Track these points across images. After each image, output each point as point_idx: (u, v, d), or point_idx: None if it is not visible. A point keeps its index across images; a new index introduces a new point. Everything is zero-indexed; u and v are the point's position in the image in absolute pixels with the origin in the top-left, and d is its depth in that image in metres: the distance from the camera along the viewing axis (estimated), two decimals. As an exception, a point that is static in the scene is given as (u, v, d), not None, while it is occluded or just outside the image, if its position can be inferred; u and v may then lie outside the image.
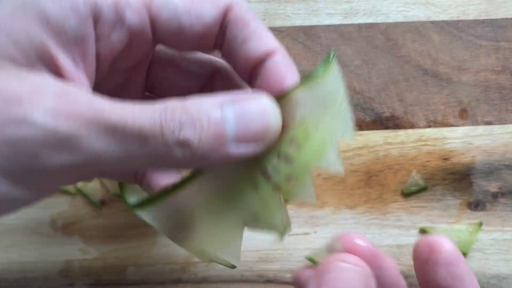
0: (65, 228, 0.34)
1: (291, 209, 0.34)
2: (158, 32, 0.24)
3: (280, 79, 0.23)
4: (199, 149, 0.20)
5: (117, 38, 0.23)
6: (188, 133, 0.19)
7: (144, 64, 0.27)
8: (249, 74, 0.25)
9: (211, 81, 0.28)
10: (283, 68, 0.24)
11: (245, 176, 0.21)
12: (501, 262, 0.34)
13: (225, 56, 0.26)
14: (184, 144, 0.19)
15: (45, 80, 0.20)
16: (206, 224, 0.22)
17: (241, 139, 0.20)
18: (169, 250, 0.34)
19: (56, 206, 0.34)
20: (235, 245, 0.22)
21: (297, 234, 0.34)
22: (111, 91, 0.26)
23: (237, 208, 0.21)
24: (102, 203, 0.34)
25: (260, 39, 0.24)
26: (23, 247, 0.34)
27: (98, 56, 0.23)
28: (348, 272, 0.20)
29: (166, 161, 0.20)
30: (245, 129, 0.20)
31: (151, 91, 0.28)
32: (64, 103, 0.18)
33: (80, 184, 0.34)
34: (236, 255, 0.22)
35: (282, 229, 0.22)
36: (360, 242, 0.22)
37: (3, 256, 0.34)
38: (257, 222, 0.21)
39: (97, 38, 0.22)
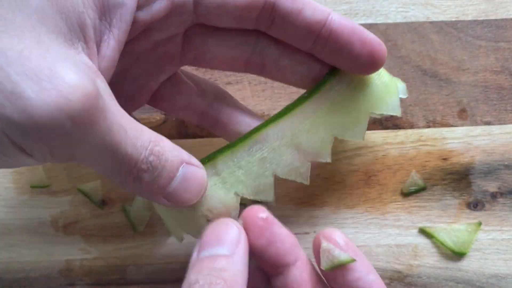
0: (65, 227, 0.34)
1: (290, 209, 0.34)
2: (200, 4, 0.26)
3: (352, 30, 0.26)
4: (143, 188, 0.24)
5: (158, 7, 0.25)
6: (146, 176, 0.23)
7: (178, 37, 0.28)
8: (311, 42, 0.27)
9: (258, 47, 0.29)
10: (346, 21, 0.26)
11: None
12: (500, 262, 0.34)
13: (277, 33, 0.27)
14: (138, 180, 0.24)
15: (85, 73, 0.21)
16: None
17: (172, 198, 0.25)
18: (169, 249, 0.34)
19: (57, 205, 0.35)
20: (361, 127, 0.29)
21: (297, 234, 0.34)
22: (141, 53, 0.28)
23: (366, 95, 0.29)
24: (103, 202, 0.35)
25: (312, 6, 0.26)
26: (24, 246, 0.34)
27: (136, 21, 0.25)
28: (231, 226, 0.25)
29: (116, 180, 0.24)
30: (181, 192, 0.25)
31: (196, 63, 0.30)
32: (91, 112, 0.20)
33: (80, 185, 0.35)
34: (361, 133, 0.29)
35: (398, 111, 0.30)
36: (262, 214, 0.26)
37: (4, 255, 0.34)
38: (380, 105, 0.29)
39: (139, 6, 0.24)
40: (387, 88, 0.29)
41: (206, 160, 0.27)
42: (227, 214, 0.27)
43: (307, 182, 0.29)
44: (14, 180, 0.35)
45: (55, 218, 0.34)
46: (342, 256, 0.25)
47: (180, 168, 0.24)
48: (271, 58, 0.29)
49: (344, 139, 0.29)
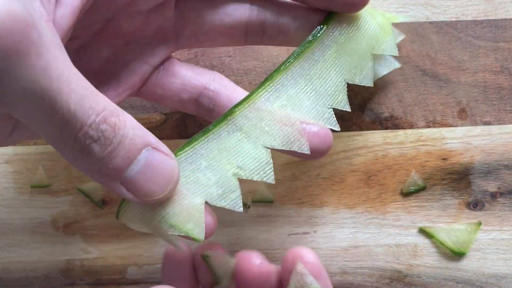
0: (66, 227, 0.34)
1: (290, 209, 0.34)
2: None
3: None
4: (95, 165, 0.20)
5: None
6: (97, 147, 0.19)
7: (166, 6, 0.27)
8: None
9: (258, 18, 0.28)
10: None
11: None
12: (499, 262, 0.34)
13: None
14: (87, 151, 0.19)
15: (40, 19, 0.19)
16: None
17: (131, 186, 0.21)
18: (169, 249, 0.34)
19: (57, 205, 0.35)
20: (368, 71, 0.29)
21: (297, 234, 0.34)
22: (132, 34, 0.26)
23: (364, 36, 0.29)
24: (103, 202, 0.35)
25: None
26: (24, 246, 0.34)
27: None
28: None
29: (63, 150, 0.20)
30: (142, 180, 0.21)
31: (193, 42, 0.29)
32: (18, 40, 0.17)
33: (80, 185, 0.35)
34: (369, 78, 0.29)
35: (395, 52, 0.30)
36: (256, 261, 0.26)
37: (4, 255, 0.34)
38: (379, 45, 0.29)
39: None
40: (383, 28, 0.30)
41: (223, 117, 0.27)
42: (261, 170, 0.26)
43: (337, 128, 0.28)
44: (14, 180, 0.35)
45: (55, 218, 0.34)
46: (313, 285, 0.25)
47: (144, 151, 0.21)
48: (270, 17, 0.28)
49: (355, 84, 0.29)
